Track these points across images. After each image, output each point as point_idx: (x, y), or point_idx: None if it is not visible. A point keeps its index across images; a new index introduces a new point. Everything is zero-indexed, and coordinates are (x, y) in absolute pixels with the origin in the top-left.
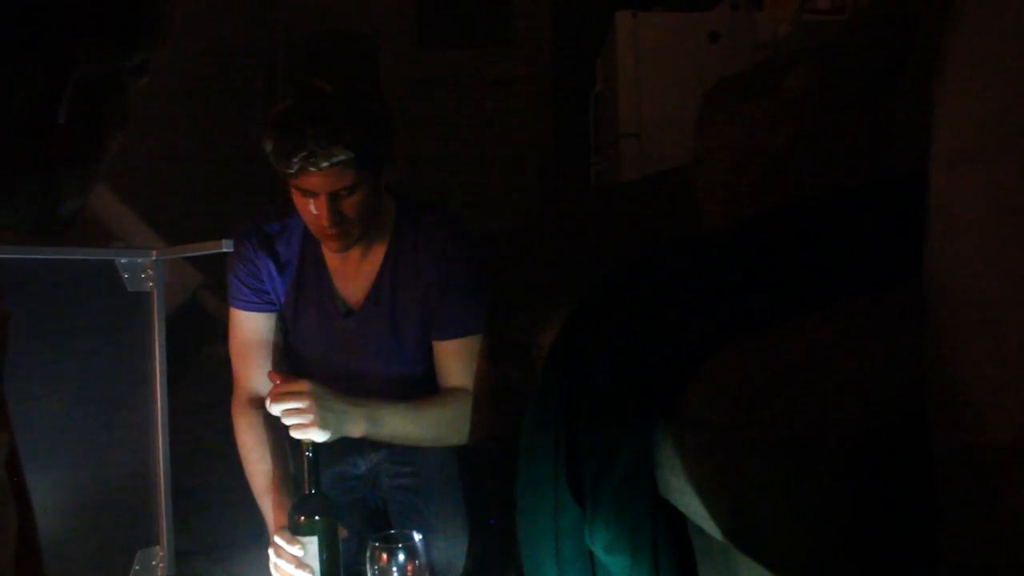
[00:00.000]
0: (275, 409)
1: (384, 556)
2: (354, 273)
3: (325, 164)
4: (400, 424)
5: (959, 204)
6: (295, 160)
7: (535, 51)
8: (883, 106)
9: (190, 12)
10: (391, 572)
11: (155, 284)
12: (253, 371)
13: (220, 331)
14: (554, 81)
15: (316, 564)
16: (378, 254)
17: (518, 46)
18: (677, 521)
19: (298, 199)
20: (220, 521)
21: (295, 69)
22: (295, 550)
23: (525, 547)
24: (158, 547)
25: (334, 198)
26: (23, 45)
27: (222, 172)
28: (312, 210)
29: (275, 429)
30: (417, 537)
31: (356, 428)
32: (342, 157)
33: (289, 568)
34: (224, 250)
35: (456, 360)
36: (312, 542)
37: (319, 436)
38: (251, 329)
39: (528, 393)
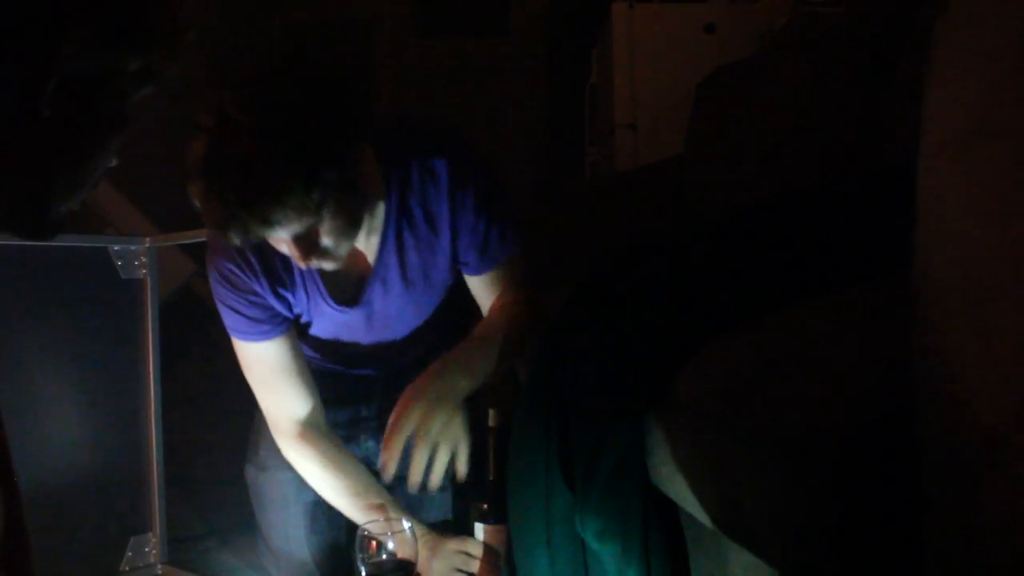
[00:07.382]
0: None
1: (373, 544)
2: (351, 260)
3: (269, 233)
4: (501, 349)
5: (946, 195)
6: (230, 234)
7: (531, 41)
8: (877, 98)
9: None
10: (380, 560)
11: (148, 271)
12: (283, 397)
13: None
14: (550, 71)
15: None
16: (376, 228)
17: (514, 35)
18: (668, 509)
19: None
20: (213, 508)
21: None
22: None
23: (516, 534)
24: (151, 534)
25: (301, 238)
26: (3, 30)
27: None
28: (283, 249)
29: (335, 445)
30: (407, 525)
31: (466, 388)
32: (293, 221)
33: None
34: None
35: (500, 283)
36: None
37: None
38: (267, 359)
39: (521, 381)
